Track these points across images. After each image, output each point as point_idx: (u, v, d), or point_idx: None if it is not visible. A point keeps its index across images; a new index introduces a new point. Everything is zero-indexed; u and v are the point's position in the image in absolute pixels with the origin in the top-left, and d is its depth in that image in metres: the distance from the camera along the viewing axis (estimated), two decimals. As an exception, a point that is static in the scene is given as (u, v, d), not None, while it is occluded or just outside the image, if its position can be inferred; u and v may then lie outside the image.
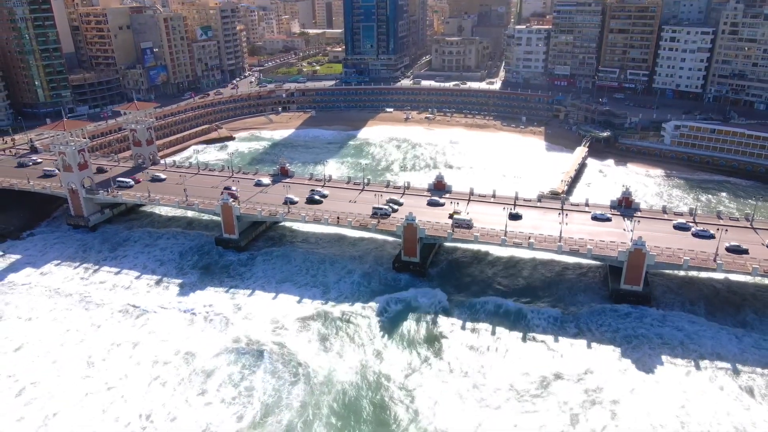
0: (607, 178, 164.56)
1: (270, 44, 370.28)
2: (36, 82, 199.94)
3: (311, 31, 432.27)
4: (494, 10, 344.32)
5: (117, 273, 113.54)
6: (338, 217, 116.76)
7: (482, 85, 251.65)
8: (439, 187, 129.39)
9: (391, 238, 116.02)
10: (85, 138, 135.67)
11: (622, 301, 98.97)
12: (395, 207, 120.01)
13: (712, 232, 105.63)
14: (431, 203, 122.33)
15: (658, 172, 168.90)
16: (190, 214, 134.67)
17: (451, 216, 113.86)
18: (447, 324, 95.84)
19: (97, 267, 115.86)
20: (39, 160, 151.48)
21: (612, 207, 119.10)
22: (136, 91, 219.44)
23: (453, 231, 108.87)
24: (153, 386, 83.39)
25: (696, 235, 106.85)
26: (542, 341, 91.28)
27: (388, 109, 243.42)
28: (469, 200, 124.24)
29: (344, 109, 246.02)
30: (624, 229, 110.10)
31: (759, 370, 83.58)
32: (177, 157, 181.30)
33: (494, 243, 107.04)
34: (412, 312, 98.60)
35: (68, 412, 78.84)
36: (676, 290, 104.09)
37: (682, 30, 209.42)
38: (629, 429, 74.31)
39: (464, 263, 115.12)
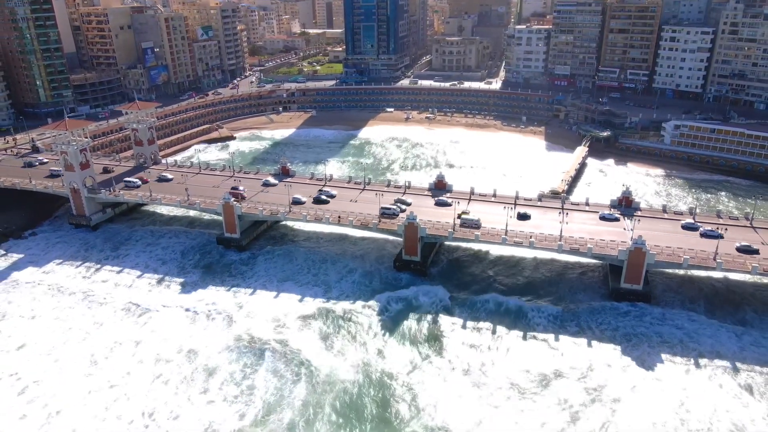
0: (608, 178, 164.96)
1: (270, 44, 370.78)
2: (37, 82, 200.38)
3: (312, 31, 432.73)
4: (494, 10, 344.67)
5: (119, 272, 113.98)
6: (339, 217, 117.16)
7: (481, 85, 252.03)
8: (440, 187, 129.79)
9: (392, 237, 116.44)
10: (86, 137, 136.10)
11: (623, 300, 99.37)
12: (403, 207, 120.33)
13: (720, 231, 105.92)
14: (439, 203, 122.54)
15: (658, 171, 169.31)
16: (191, 213, 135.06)
17: (459, 216, 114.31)
18: (448, 322, 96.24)
19: (99, 266, 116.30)
20: (45, 160, 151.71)
21: (612, 206, 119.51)
22: (137, 91, 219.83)
23: (458, 230, 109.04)
24: (155, 384, 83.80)
25: (704, 235, 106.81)
26: (543, 339, 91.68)
27: (388, 109, 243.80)
28: (470, 199, 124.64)
29: (345, 108, 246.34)
30: (624, 228, 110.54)
31: (758, 368, 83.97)
32: (178, 157, 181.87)
33: (495, 242, 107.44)
34: (413, 310, 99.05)
35: (71, 410, 79.21)
36: (676, 289, 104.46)
37: (682, 30, 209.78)
38: (629, 426, 74.71)
39: (465, 262, 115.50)
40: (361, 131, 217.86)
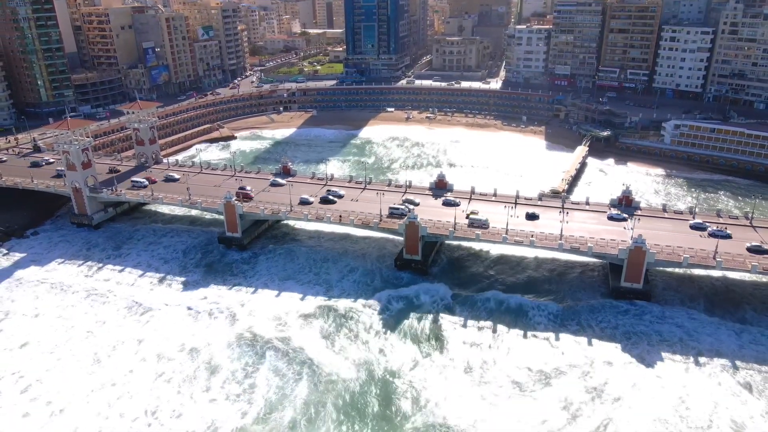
0: (608, 177, 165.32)
1: (271, 44, 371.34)
2: (39, 82, 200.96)
3: (312, 31, 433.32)
4: (494, 10, 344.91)
5: (121, 270, 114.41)
6: (340, 216, 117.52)
7: (481, 85, 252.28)
8: (441, 186, 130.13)
9: (393, 237, 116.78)
10: (88, 137, 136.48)
11: (623, 298, 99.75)
12: (411, 207, 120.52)
13: (729, 231, 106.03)
14: (446, 203, 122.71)
15: (659, 171, 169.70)
16: (193, 212, 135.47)
17: (467, 216, 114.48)
18: (449, 320, 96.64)
19: (101, 265, 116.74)
20: (51, 160, 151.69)
21: (612, 206, 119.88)
22: (138, 91, 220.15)
23: (459, 229, 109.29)
24: (158, 382, 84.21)
25: (713, 235, 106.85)
26: (544, 337, 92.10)
27: (389, 109, 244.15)
28: (470, 199, 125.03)
29: (345, 108, 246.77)
30: (624, 228, 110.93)
31: (757, 366, 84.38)
32: (180, 156, 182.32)
33: (495, 241, 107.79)
34: (414, 309, 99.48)
35: (74, 408, 79.62)
36: (676, 287, 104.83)
37: (682, 30, 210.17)
38: (629, 424, 75.10)
39: (466, 262, 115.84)
40: (362, 131, 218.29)
